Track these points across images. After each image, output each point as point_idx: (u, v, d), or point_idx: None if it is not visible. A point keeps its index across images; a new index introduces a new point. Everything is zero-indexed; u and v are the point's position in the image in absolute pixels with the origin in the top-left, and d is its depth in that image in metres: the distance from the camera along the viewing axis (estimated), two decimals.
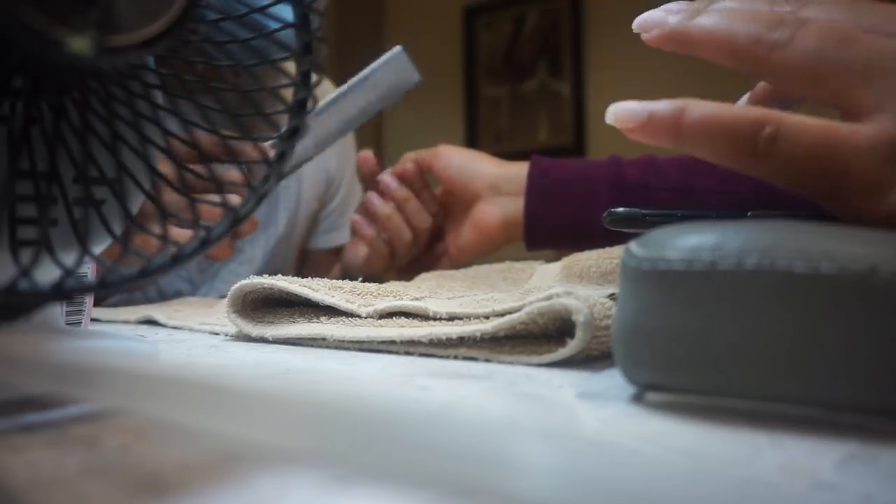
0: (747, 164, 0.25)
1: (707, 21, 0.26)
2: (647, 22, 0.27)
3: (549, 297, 0.26)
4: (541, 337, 0.27)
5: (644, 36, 0.27)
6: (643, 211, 0.31)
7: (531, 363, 0.26)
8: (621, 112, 0.27)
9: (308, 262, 0.86)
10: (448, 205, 0.61)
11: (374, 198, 0.60)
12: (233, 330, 0.35)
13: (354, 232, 0.62)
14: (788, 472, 0.14)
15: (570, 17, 2.44)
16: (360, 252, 0.62)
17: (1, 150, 0.18)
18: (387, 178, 0.59)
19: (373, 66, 0.49)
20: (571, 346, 0.25)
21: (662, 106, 0.26)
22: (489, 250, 0.58)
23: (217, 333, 0.37)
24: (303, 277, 0.35)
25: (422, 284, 0.45)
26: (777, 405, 0.18)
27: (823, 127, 0.24)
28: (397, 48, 0.51)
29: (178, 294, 0.70)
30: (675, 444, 0.16)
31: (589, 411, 0.19)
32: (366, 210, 0.60)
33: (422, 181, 0.59)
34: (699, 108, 0.25)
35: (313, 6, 0.21)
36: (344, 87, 0.49)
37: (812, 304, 0.16)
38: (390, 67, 0.50)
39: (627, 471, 0.08)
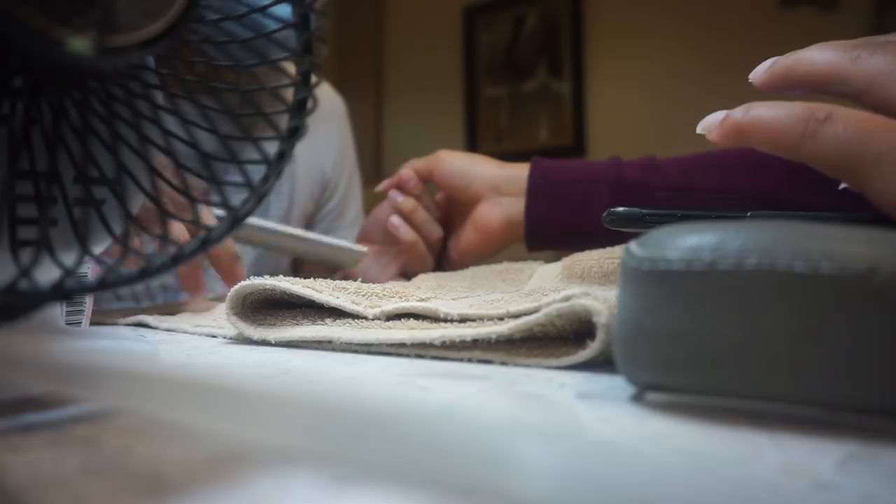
0: (794, 148, 0.28)
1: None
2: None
3: (567, 299, 0.25)
4: (556, 339, 0.27)
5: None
6: (643, 210, 0.31)
7: (550, 366, 0.26)
8: (706, 121, 0.31)
9: (304, 264, 0.86)
10: (449, 210, 0.61)
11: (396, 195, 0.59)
12: (230, 332, 0.35)
13: (396, 238, 0.60)
14: (788, 472, 0.14)
15: (570, 17, 2.45)
16: (387, 263, 0.61)
17: (1, 150, 0.18)
18: (393, 192, 0.59)
19: (337, 244, 0.56)
20: (592, 349, 0.24)
21: (736, 108, 0.30)
22: (490, 251, 0.58)
23: (214, 336, 0.37)
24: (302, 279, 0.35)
25: (421, 284, 0.45)
26: (777, 405, 0.18)
27: (874, 117, 0.27)
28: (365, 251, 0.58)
29: (163, 287, 0.70)
30: (675, 444, 0.16)
31: (589, 411, 0.19)
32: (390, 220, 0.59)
33: (421, 188, 0.59)
34: (762, 105, 0.29)
35: (313, 6, 0.21)
36: (305, 234, 0.55)
37: (812, 304, 0.16)
38: (347, 254, 0.57)
39: (627, 471, 0.08)
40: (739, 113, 0.29)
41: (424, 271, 0.57)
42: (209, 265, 0.53)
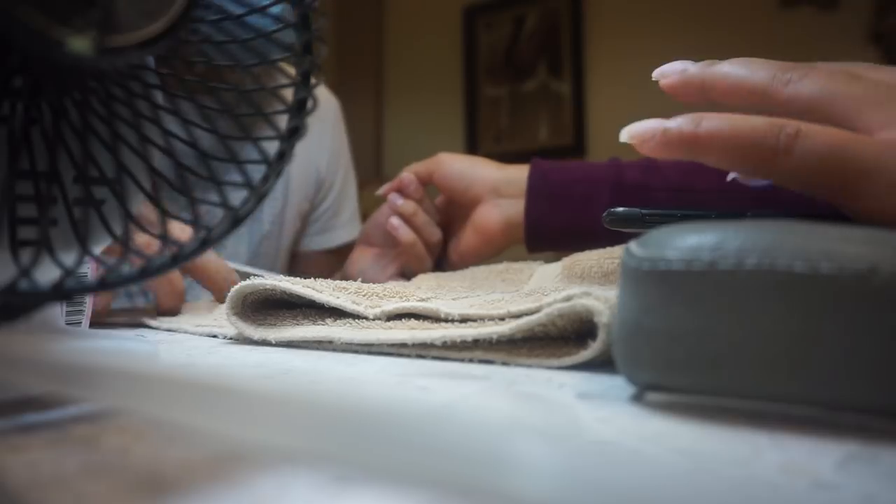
0: (767, 164, 0.26)
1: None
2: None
3: (568, 298, 0.25)
4: (558, 339, 0.27)
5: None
6: (643, 211, 0.31)
7: (551, 366, 0.25)
8: (635, 129, 0.28)
9: (299, 264, 0.86)
10: (449, 212, 0.61)
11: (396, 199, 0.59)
12: (230, 332, 0.35)
13: (395, 238, 0.59)
14: (788, 472, 0.14)
15: (570, 17, 2.45)
16: (386, 263, 0.61)
17: (1, 150, 0.18)
18: (393, 195, 0.59)
19: None
20: (594, 349, 0.24)
21: (677, 119, 0.27)
22: (491, 253, 0.58)
23: (214, 336, 0.37)
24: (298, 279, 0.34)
25: (422, 284, 0.45)
26: (777, 405, 0.18)
27: (840, 131, 0.26)
28: None
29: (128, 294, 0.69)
30: (675, 444, 0.16)
31: (589, 411, 0.19)
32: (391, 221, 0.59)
33: (422, 192, 0.59)
34: (715, 117, 0.27)
35: (313, 6, 0.21)
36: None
37: (812, 304, 0.16)
38: None
39: (627, 471, 0.08)
40: (689, 124, 0.27)
41: (423, 272, 0.57)
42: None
